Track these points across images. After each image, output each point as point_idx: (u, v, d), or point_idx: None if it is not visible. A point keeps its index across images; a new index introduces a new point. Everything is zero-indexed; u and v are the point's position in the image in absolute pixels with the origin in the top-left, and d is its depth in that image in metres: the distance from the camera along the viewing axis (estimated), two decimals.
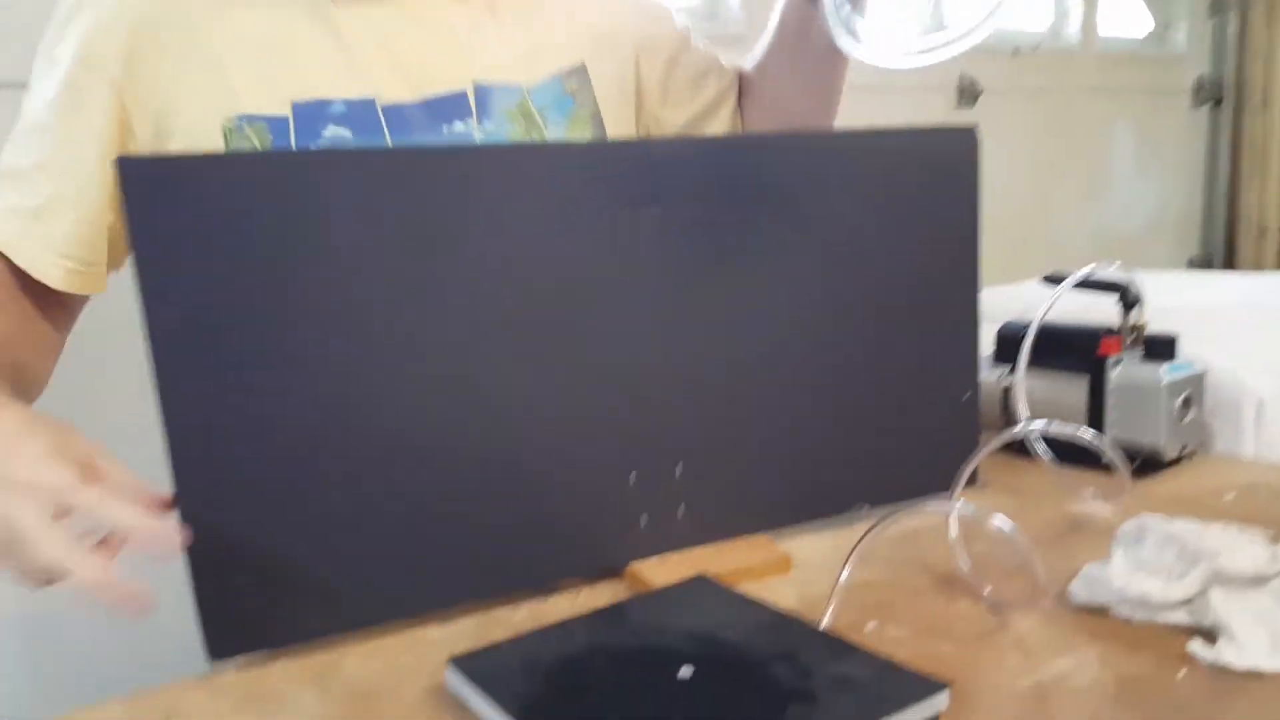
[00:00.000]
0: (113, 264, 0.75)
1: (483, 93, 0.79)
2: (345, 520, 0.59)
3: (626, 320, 0.66)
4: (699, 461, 0.70)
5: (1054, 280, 0.86)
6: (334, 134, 0.73)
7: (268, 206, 0.56)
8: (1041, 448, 0.81)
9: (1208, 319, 0.99)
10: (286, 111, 0.72)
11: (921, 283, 0.79)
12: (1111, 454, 0.75)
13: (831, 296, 0.74)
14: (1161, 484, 0.83)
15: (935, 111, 2.23)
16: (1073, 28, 2.59)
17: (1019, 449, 0.88)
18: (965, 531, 0.66)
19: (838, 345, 0.75)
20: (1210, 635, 0.55)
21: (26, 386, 0.71)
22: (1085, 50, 2.60)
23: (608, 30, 0.87)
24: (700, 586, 0.63)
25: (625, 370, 0.67)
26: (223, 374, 0.56)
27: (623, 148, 0.76)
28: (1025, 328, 0.85)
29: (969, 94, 2.28)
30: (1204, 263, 3.02)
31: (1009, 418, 0.92)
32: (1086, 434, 0.75)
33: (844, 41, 0.75)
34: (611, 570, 0.68)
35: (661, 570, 0.66)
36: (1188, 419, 0.85)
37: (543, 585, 0.66)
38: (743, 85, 0.94)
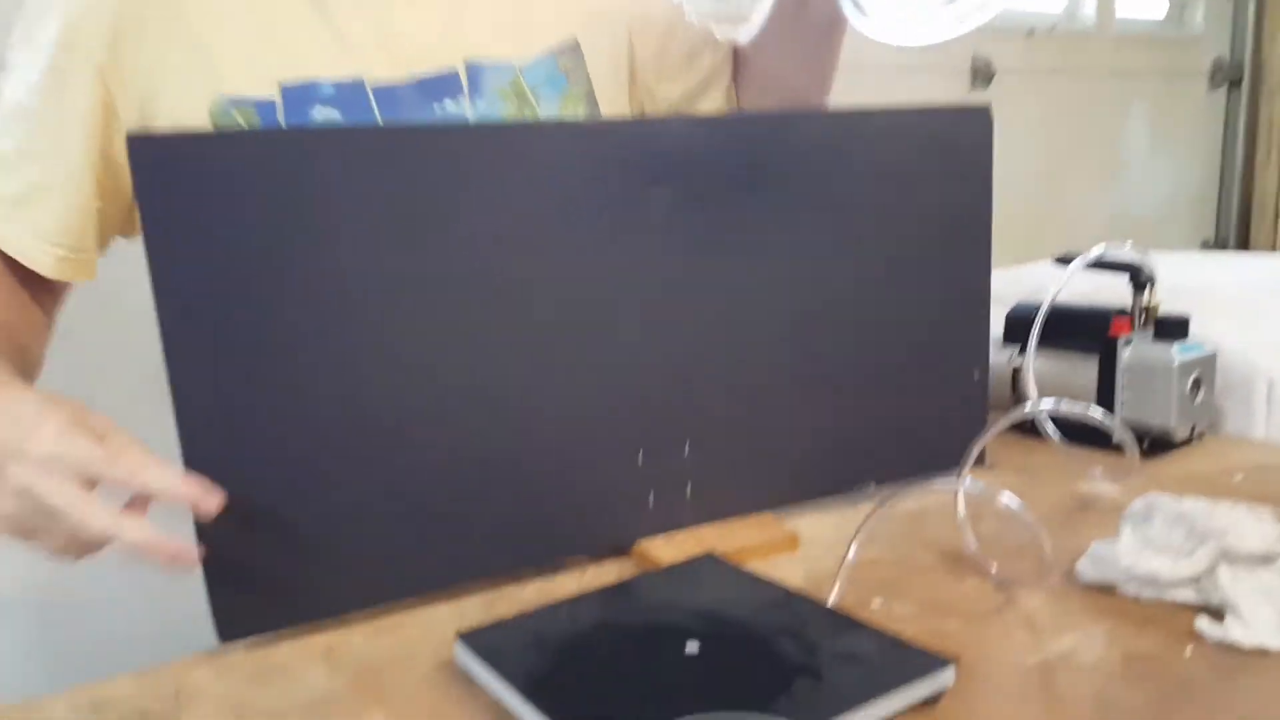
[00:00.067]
0: (100, 249, 0.74)
1: (474, 71, 0.77)
2: (353, 500, 0.59)
3: (635, 299, 0.66)
4: (707, 440, 0.70)
5: (1065, 261, 0.86)
6: (323, 116, 0.72)
7: (279, 183, 0.56)
8: (1050, 428, 0.81)
9: (1220, 300, 0.99)
10: (274, 94, 0.71)
11: (933, 262, 0.78)
12: (1121, 433, 0.75)
13: (841, 275, 0.74)
14: (1171, 464, 0.83)
15: (949, 92, 2.22)
16: (1088, 9, 2.56)
17: (1028, 429, 0.87)
18: (973, 510, 0.66)
19: (846, 324, 0.75)
20: (1218, 613, 0.55)
21: (29, 370, 0.72)
22: (1101, 31, 2.57)
23: (600, 6, 0.86)
24: (707, 564, 0.63)
25: (634, 349, 0.67)
26: (232, 352, 0.56)
27: (632, 126, 0.76)
28: (1036, 308, 0.85)
29: (983, 75, 2.26)
30: (1218, 246, 2.99)
31: (1018, 398, 0.92)
32: (1096, 413, 0.74)
33: (851, 15, 0.75)
34: (619, 549, 0.68)
35: (669, 549, 0.67)
36: (1198, 400, 0.85)
37: (551, 564, 0.66)
38: (737, 61, 0.93)
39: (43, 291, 0.74)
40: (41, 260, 0.71)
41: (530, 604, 0.58)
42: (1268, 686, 0.51)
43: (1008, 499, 0.60)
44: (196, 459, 0.56)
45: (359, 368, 0.59)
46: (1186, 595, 0.57)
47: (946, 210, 0.78)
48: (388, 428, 0.60)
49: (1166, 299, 0.88)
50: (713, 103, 0.92)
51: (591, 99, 0.83)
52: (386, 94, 0.74)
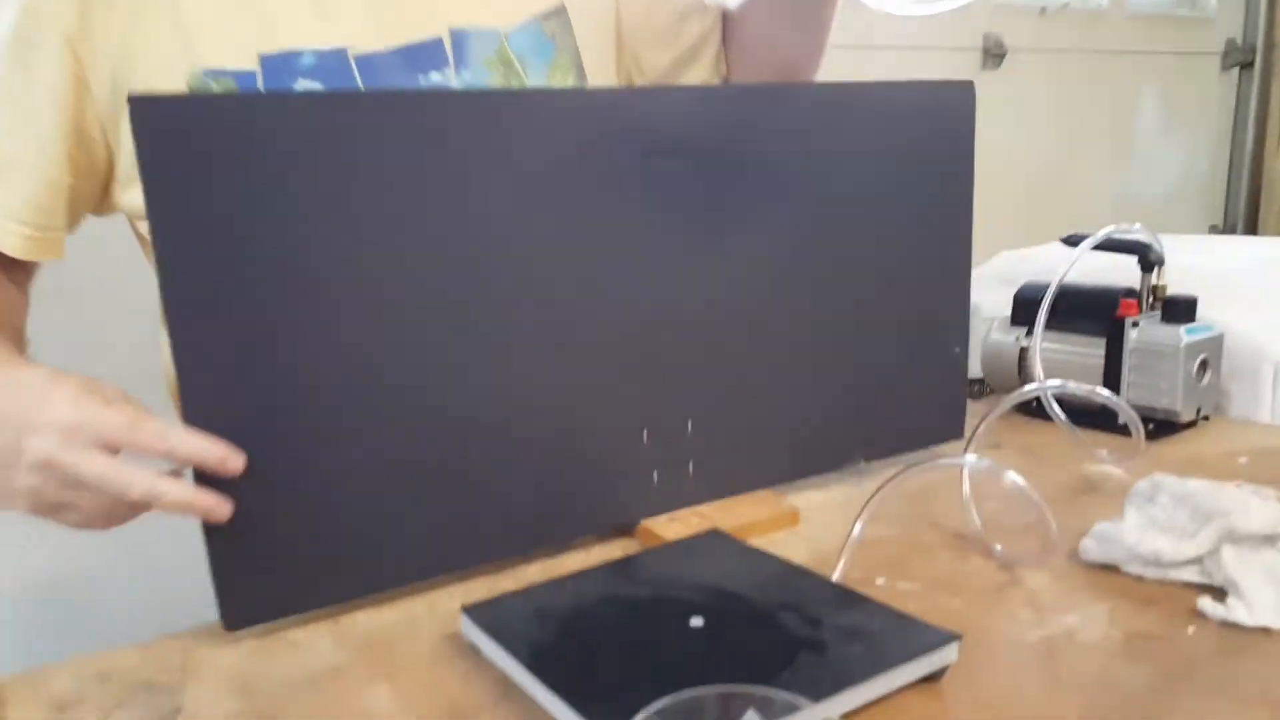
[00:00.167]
0: (69, 227, 0.72)
1: (459, 38, 0.75)
2: (356, 486, 0.58)
3: (640, 277, 0.66)
4: (708, 418, 0.70)
5: (1073, 242, 0.85)
6: (304, 87, 0.70)
7: (283, 147, 0.54)
8: (1056, 408, 0.80)
9: (1228, 283, 0.98)
10: (254, 65, 0.68)
11: (918, 236, 0.79)
12: (1127, 414, 0.75)
13: (830, 250, 0.74)
14: (1176, 446, 0.83)
15: (960, 71, 2.19)
16: None
17: (1034, 411, 0.87)
18: (977, 490, 0.66)
19: (838, 300, 0.75)
20: (1220, 593, 0.55)
21: (22, 350, 0.71)
22: (1115, 10, 2.55)
23: None
24: (712, 540, 0.63)
25: (638, 327, 0.67)
26: (233, 324, 0.55)
27: (637, 95, 0.75)
28: (1043, 289, 0.85)
29: (994, 54, 2.25)
30: (1226, 231, 2.97)
31: (1025, 379, 0.92)
32: (1102, 394, 0.74)
33: None
34: (624, 528, 0.68)
35: (673, 527, 0.67)
36: (1205, 382, 0.85)
37: (558, 544, 0.66)
38: (727, 28, 0.91)
39: (14, 270, 0.72)
40: (9, 241, 0.68)
41: (535, 581, 0.59)
42: (1270, 666, 0.51)
43: (1013, 477, 0.60)
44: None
45: (360, 342, 0.58)
46: (1190, 575, 0.57)
47: (930, 185, 0.79)
48: (390, 409, 0.59)
49: (1174, 281, 0.88)
50: (701, 71, 0.90)
51: (579, 65, 0.81)
52: (369, 63, 0.72)
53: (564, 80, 0.80)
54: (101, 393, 0.55)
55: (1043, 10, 2.35)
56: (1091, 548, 0.61)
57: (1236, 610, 0.53)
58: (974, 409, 0.96)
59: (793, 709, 0.36)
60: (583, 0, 0.82)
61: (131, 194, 0.71)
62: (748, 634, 0.51)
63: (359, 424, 0.58)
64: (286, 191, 0.55)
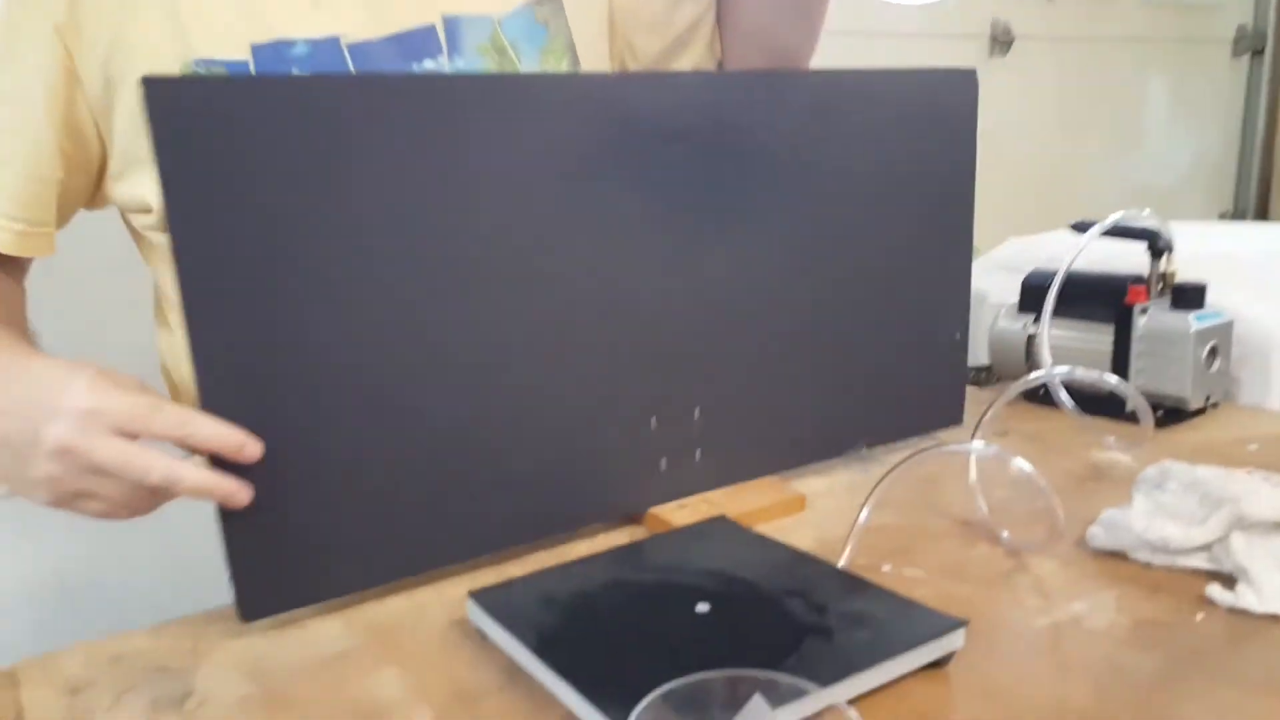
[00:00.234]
0: (60, 222, 0.71)
1: (452, 25, 0.74)
2: (370, 474, 0.58)
3: (647, 264, 0.66)
4: (715, 405, 0.70)
5: (1081, 228, 0.85)
6: None
7: (296, 130, 0.54)
8: (1064, 395, 0.80)
9: (1237, 269, 0.98)
10: (246, 55, 0.67)
11: (920, 223, 0.79)
12: (1135, 401, 0.74)
13: (835, 238, 0.74)
14: (1185, 433, 0.83)
15: (968, 58, 2.19)
16: None
17: (1042, 398, 0.87)
18: (984, 477, 0.66)
19: (841, 286, 0.75)
20: (1230, 580, 0.55)
21: (33, 343, 0.70)
22: None
23: None
24: (718, 526, 0.63)
25: (645, 314, 0.66)
26: (249, 312, 0.54)
27: (652, 80, 0.74)
28: (1051, 276, 0.84)
29: (1002, 41, 2.23)
30: (1237, 217, 2.96)
31: (1033, 366, 0.91)
32: (1110, 380, 0.74)
33: None
34: (632, 515, 0.69)
35: (681, 514, 0.67)
36: (1214, 368, 0.84)
37: (568, 531, 0.66)
38: (722, 13, 0.89)
39: (9, 265, 0.71)
40: (1, 236, 0.68)
41: (543, 566, 0.59)
42: (1279, 653, 0.51)
43: (1020, 464, 0.60)
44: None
45: (372, 328, 0.58)
46: (1198, 562, 0.57)
47: (932, 173, 0.78)
48: (401, 396, 0.59)
49: (1183, 268, 0.87)
50: (694, 56, 0.89)
51: (572, 51, 0.81)
52: (362, 51, 0.71)
53: (557, 66, 0.80)
54: (118, 380, 0.55)
55: None
56: (1099, 535, 0.61)
57: (1246, 597, 0.53)
58: (981, 396, 0.96)
59: (799, 694, 0.36)
60: None
61: (124, 186, 0.70)
62: (754, 620, 0.51)
63: (371, 411, 0.58)
64: (301, 174, 0.54)
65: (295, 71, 0.69)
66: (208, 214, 0.52)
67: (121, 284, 0.88)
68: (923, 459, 0.61)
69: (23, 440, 0.53)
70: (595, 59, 0.83)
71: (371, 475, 0.58)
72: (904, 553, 0.62)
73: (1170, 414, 0.84)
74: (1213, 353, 0.84)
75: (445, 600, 0.59)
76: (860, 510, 0.61)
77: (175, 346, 0.77)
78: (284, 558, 0.56)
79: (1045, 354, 0.84)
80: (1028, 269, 0.95)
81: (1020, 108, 2.24)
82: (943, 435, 0.83)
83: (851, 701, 0.46)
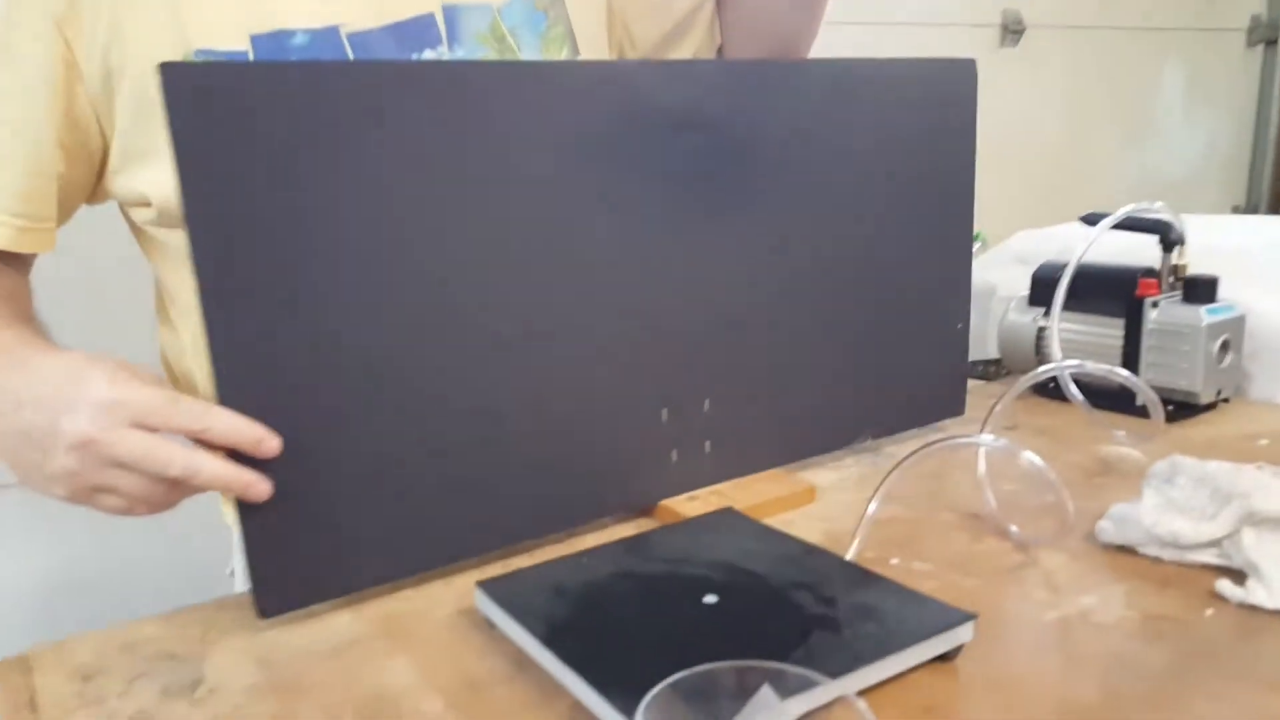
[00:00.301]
0: (62, 217, 0.71)
1: (451, 14, 0.74)
2: (384, 469, 0.58)
3: (660, 255, 0.66)
4: (724, 396, 0.70)
5: (1092, 220, 0.85)
6: None
7: (314, 117, 0.53)
8: (1074, 389, 0.80)
9: (1250, 262, 0.97)
10: (245, 45, 0.67)
11: (921, 213, 0.79)
12: (1146, 395, 0.74)
13: (839, 228, 0.74)
14: (1195, 428, 0.82)
15: (978, 47, 2.17)
16: None
17: (1052, 392, 0.87)
18: (992, 470, 0.66)
19: (844, 277, 0.75)
20: (1239, 576, 0.55)
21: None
22: None
23: None
24: (726, 518, 0.63)
25: (657, 305, 0.66)
26: (266, 303, 0.53)
27: (665, 69, 0.74)
28: (1061, 268, 0.84)
29: (1013, 30, 2.22)
30: (1249, 210, 2.94)
31: (1043, 359, 0.91)
32: (1120, 374, 0.74)
33: None
34: (644, 509, 0.69)
35: (692, 506, 0.67)
36: (1226, 362, 0.84)
37: (580, 524, 0.66)
38: (724, 1, 0.89)
39: (14, 261, 0.71)
40: (1, 232, 0.67)
41: (551, 556, 0.59)
42: None
43: (1030, 457, 0.60)
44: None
45: (385, 323, 0.57)
46: (1208, 557, 0.57)
47: (933, 163, 0.78)
48: (416, 392, 0.58)
49: (1195, 261, 0.87)
50: (693, 43, 0.88)
51: (572, 38, 0.80)
52: (361, 41, 0.71)
53: (557, 53, 0.79)
54: (137, 373, 0.54)
55: None
56: (1108, 529, 0.61)
57: (1256, 593, 0.53)
58: (990, 389, 0.96)
59: (808, 685, 0.36)
60: None
61: (123, 180, 0.70)
62: (762, 611, 0.51)
63: (386, 405, 0.57)
64: (319, 162, 0.54)
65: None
66: (225, 203, 0.52)
67: (122, 280, 0.88)
68: (931, 452, 0.61)
69: (42, 433, 0.53)
70: (595, 46, 0.83)
71: (387, 470, 0.58)
72: (912, 546, 0.62)
73: (1181, 408, 0.84)
74: (1224, 347, 0.84)
75: (454, 590, 0.59)
76: (869, 503, 0.61)
77: (177, 342, 0.77)
78: (301, 554, 0.56)
79: (1055, 347, 0.84)
80: (1038, 261, 0.95)
81: (1030, 98, 2.23)
82: (944, 426, 0.83)
83: (859, 694, 0.46)
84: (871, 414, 0.79)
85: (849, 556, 0.58)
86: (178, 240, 0.70)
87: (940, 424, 0.83)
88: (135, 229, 0.75)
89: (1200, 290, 0.84)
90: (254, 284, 0.53)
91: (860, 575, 0.54)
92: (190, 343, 0.75)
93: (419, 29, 0.73)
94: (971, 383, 0.86)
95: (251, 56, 0.67)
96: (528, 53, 0.77)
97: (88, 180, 0.71)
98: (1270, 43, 2.87)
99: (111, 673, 0.52)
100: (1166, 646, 0.51)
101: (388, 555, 0.59)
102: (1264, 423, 0.83)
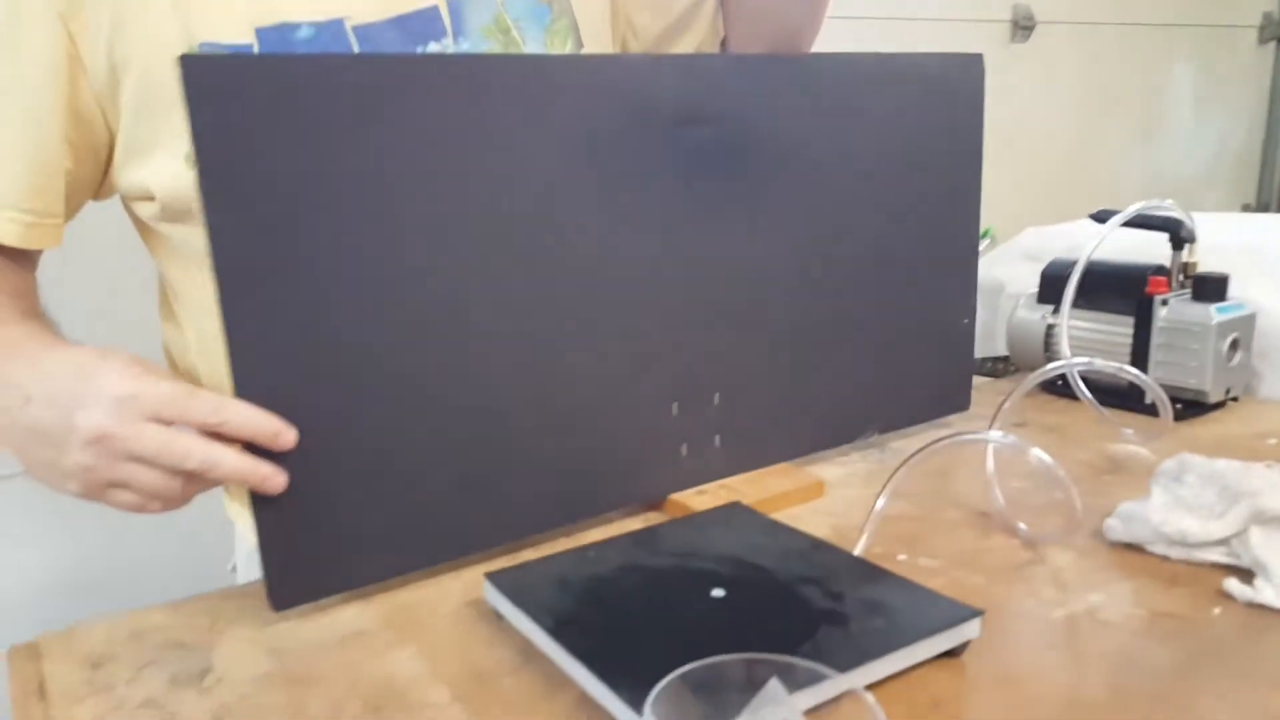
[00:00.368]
0: (69, 213, 0.70)
1: (455, 6, 0.73)
2: (397, 463, 0.58)
3: (670, 249, 0.66)
4: (733, 390, 0.70)
5: (1102, 218, 0.84)
6: None
7: (333, 110, 0.53)
8: (1082, 387, 0.80)
9: (1260, 260, 0.97)
10: (250, 38, 0.67)
11: (927, 208, 0.78)
12: (1154, 393, 0.74)
13: (846, 223, 0.74)
14: (1204, 426, 0.82)
15: (988, 43, 2.17)
16: None
17: (1060, 389, 0.87)
18: (1000, 467, 0.66)
19: (851, 272, 0.75)
20: (1247, 574, 0.55)
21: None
22: None
23: None
24: (734, 512, 0.63)
25: (668, 298, 0.66)
26: (283, 296, 0.53)
27: (673, 63, 0.74)
28: (1071, 266, 0.84)
29: (1024, 26, 2.21)
30: (1260, 208, 2.93)
31: (1051, 357, 0.91)
32: (1129, 372, 0.73)
33: None
34: (652, 502, 0.69)
35: (701, 500, 0.67)
36: (1235, 361, 0.84)
37: (591, 517, 0.66)
38: None
39: (19, 258, 0.70)
40: (6, 229, 0.66)
41: (559, 549, 0.59)
42: None
43: (1038, 454, 0.60)
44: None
45: (398, 317, 0.57)
46: (1216, 556, 0.57)
47: (940, 158, 0.78)
48: (428, 385, 0.58)
49: (1205, 259, 0.87)
50: (696, 36, 0.88)
51: (575, 31, 0.80)
52: (367, 34, 0.71)
53: (562, 46, 0.79)
54: (150, 367, 0.54)
55: None
56: (1116, 527, 0.60)
57: (1264, 592, 0.53)
58: (999, 387, 0.96)
59: (816, 679, 0.36)
60: None
61: (129, 174, 0.69)
62: (769, 606, 0.51)
63: (399, 398, 0.57)
64: (336, 157, 0.54)
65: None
66: (244, 196, 0.52)
67: (123, 278, 0.87)
68: (939, 449, 0.61)
69: (57, 428, 0.53)
70: (598, 39, 0.83)
71: (399, 464, 0.58)
72: (919, 542, 0.62)
73: (1189, 407, 0.84)
74: (1234, 345, 0.83)
75: (461, 582, 0.59)
76: (877, 498, 0.61)
77: (181, 339, 0.77)
78: (314, 548, 0.56)
79: (1064, 345, 0.83)
80: (1047, 259, 0.95)
81: (1041, 94, 2.22)
82: (950, 422, 0.83)
83: (866, 688, 0.46)
84: (878, 409, 0.79)
85: (857, 552, 0.58)
86: (182, 235, 0.70)
87: (946, 419, 0.83)
88: (139, 224, 0.74)
89: (1210, 288, 0.83)
90: (271, 276, 0.53)
91: (868, 570, 0.54)
92: (195, 339, 0.75)
93: (424, 21, 0.73)
94: (980, 380, 0.86)
95: (256, 49, 0.67)
96: (532, 45, 0.77)
97: (94, 176, 0.71)
98: None
99: (120, 660, 0.52)
100: (1174, 645, 0.51)
101: (399, 549, 0.59)
102: (1273, 421, 0.83)
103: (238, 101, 0.51)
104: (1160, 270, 0.86)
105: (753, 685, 0.36)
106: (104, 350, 0.55)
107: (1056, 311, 0.89)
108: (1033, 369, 0.73)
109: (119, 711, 0.48)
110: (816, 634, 0.48)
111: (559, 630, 0.49)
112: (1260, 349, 0.87)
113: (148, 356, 0.57)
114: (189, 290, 0.73)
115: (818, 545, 0.58)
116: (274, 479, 0.53)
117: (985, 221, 0.84)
